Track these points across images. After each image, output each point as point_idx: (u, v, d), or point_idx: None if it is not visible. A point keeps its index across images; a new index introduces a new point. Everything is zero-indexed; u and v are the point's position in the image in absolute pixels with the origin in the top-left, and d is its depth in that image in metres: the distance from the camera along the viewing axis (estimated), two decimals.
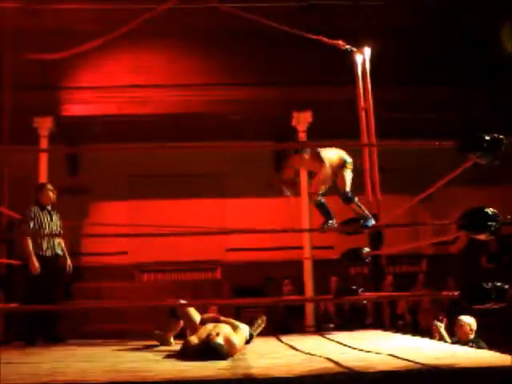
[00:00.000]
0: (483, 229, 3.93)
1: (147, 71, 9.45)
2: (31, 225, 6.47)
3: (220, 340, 4.63)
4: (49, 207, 6.70)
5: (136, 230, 9.44)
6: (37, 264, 6.35)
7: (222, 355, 4.50)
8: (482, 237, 3.99)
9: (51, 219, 6.65)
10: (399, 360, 4.15)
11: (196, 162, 10.75)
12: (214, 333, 4.70)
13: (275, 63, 9.44)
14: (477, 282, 3.85)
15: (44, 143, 9.05)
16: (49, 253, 6.52)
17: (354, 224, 6.18)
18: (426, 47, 9.35)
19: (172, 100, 9.42)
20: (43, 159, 8.69)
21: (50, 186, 6.81)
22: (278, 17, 7.90)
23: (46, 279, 6.36)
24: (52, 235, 6.53)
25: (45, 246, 6.52)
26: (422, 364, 3.87)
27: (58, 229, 6.71)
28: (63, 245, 6.76)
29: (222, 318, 5.25)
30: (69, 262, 6.74)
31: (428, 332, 6.93)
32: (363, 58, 7.56)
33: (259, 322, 5.69)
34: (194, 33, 9.35)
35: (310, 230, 8.84)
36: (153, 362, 4.61)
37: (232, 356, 4.62)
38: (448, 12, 9.31)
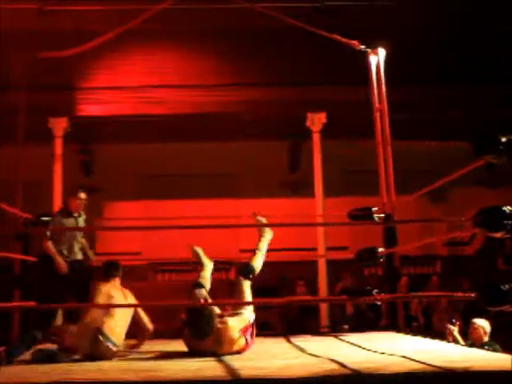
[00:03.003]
0: (499, 227, 3.89)
1: (161, 71, 9.46)
2: (48, 234, 6.48)
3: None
4: (76, 214, 6.70)
5: (149, 228, 9.45)
6: (63, 263, 6.40)
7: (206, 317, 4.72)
8: (497, 235, 3.96)
9: (77, 223, 6.66)
10: (413, 362, 4.12)
11: (210, 162, 10.76)
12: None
13: (289, 64, 9.42)
14: (494, 283, 3.81)
15: (58, 143, 9.08)
16: (70, 258, 6.56)
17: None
18: (439, 47, 9.29)
19: (186, 100, 9.42)
20: (58, 159, 8.74)
21: (82, 195, 6.78)
22: (293, 17, 7.88)
23: (65, 282, 6.41)
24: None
25: (66, 252, 6.56)
26: (437, 366, 3.84)
27: (80, 236, 6.72)
28: (86, 246, 6.82)
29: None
30: (91, 256, 6.83)
31: (442, 334, 6.88)
32: (377, 58, 7.53)
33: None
34: (208, 33, 9.35)
35: (325, 225, 8.80)
36: (166, 361, 4.62)
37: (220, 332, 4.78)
38: (461, 11, 9.25)
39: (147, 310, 5.29)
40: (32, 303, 5.72)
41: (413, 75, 9.09)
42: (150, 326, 5.26)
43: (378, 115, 7.32)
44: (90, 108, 9.49)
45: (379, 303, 7.25)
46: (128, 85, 9.42)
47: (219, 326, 4.89)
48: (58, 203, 8.31)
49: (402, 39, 8.62)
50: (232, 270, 10.08)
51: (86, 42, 7.92)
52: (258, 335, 5.48)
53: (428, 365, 3.92)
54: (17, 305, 6.56)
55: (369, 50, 7.58)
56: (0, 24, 8.35)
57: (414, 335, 6.40)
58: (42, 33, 8.84)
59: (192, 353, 4.89)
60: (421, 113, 9.44)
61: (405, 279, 9.09)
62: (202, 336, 4.82)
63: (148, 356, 5.00)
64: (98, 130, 10.26)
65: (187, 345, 5.00)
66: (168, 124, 9.89)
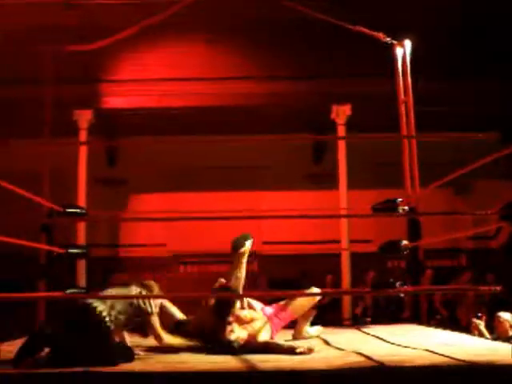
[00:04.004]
0: None
1: (186, 64, 9.47)
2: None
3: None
4: None
5: (174, 221, 9.45)
6: None
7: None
8: None
9: None
10: (437, 355, 4.10)
11: (233, 155, 10.76)
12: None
13: (314, 56, 9.37)
14: None
15: (83, 136, 9.14)
16: None
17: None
18: (465, 40, 9.19)
19: (210, 93, 9.42)
20: (82, 151, 8.78)
21: None
22: (318, 8, 7.84)
23: None
24: None
25: None
26: (462, 360, 3.81)
27: None
28: None
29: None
30: None
31: (467, 328, 6.84)
32: (403, 50, 7.47)
33: None
34: (232, 25, 9.32)
35: (348, 216, 8.76)
36: (188, 354, 4.63)
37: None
38: (487, 3, 9.13)
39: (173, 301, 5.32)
40: (58, 293, 5.75)
41: (439, 68, 9.02)
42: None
43: (403, 107, 7.27)
44: (114, 100, 9.54)
45: (402, 296, 7.22)
46: (152, 77, 9.45)
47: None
48: (82, 195, 8.37)
49: (428, 32, 8.53)
50: (255, 263, 10.11)
51: (110, 35, 7.95)
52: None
53: (453, 358, 3.89)
54: (42, 295, 6.63)
55: (395, 42, 7.52)
56: (26, 18, 8.42)
57: (438, 328, 6.37)
58: (67, 27, 8.88)
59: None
60: (447, 105, 9.36)
61: (429, 272, 9.05)
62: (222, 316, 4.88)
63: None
64: (122, 123, 10.31)
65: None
66: (192, 117, 9.91)
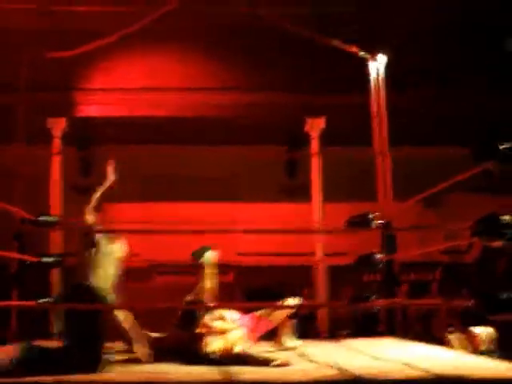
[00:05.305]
0: (498, 236, 3.86)
1: (159, 74, 9.44)
2: None
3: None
4: None
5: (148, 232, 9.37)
6: None
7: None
8: (496, 244, 3.94)
9: None
10: (413, 369, 4.12)
11: (208, 165, 10.74)
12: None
13: (289, 69, 9.39)
14: (492, 291, 3.81)
15: (57, 144, 9.05)
16: None
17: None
18: (445, 50, 9.24)
19: (184, 103, 9.41)
20: (56, 159, 8.71)
21: None
22: (295, 20, 7.88)
23: None
24: None
25: None
26: (436, 373, 3.84)
27: None
28: None
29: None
30: None
31: (440, 341, 6.88)
32: (377, 64, 7.55)
33: None
34: (207, 35, 9.31)
35: (321, 232, 8.77)
36: (167, 365, 4.62)
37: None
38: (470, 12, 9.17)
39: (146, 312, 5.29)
40: (31, 302, 5.68)
41: (412, 80, 9.08)
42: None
43: (376, 121, 7.34)
44: (88, 109, 9.47)
45: (377, 309, 7.26)
46: (127, 86, 9.41)
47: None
48: (56, 203, 8.29)
49: (400, 44, 8.60)
50: (230, 274, 10.07)
51: (86, 42, 7.92)
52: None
53: (427, 371, 3.92)
54: (14, 304, 6.55)
55: (368, 56, 7.59)
56: (1, 23, 8.34)
57: (413, 341, 6.40)
58: (42, 33, 8.81)
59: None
60: (420, 118, 9.42)
61: (405, 287, 9.09)
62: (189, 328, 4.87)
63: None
64: (97, 131, 10.24)
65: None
66: (165, 126, 9.86)
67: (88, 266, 5.09)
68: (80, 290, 4.65)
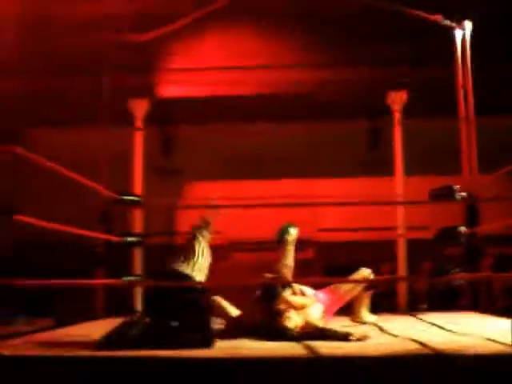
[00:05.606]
0: None
1: (238, 52, 9.46)
2: None
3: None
4: None
5: (230, 208, 9.47)
6: None
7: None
8: None
9: None
10: (497, 343, 4.01)
11: (288, 143, 10.73)
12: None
13: (370, 42, 9.23)
14: None
15: (139, 125, 9.22)
16: None
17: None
18: None
19: (264, 81, 9.41)
20: (138, 140, 8.86)
21: None
22: None
23: None
24: None
25: None
26: None
27: None
28: None
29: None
30: None
31: None
32: (463, 33, 7.30)
33: None
34: (285, 12, 9.25)
35: (404, 203, 8.61)
36: (245, 340, 4.66)
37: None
38: None
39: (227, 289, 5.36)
40: (117, 280, 5.82)
41: (500, 50, 8.78)
42: None
43: (461, 92, 7.13)
44: (170, 89, 9.60)
45: (460, 283, 7.11)
46: (207, 66, 9.48)
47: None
48: (138, 184, 8.46)
49: (489, 12, 8.30)
50: (309, 250, 10.08)
51: (166, 24, 8.00)
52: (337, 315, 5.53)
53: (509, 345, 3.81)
54: (100, 282, 6.74)
55: (453, 25, 7.35)
56: (81, 7, 8.54)
57: (496, 316, 6.24)
58: (123, 16, 8.97)
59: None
60: (506, 89, 9.12)
61: (489, 259, 8.86)
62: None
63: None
64: (178, 111, 10.37)
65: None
66: (245, 105, 9.91)
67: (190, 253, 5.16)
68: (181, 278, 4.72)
